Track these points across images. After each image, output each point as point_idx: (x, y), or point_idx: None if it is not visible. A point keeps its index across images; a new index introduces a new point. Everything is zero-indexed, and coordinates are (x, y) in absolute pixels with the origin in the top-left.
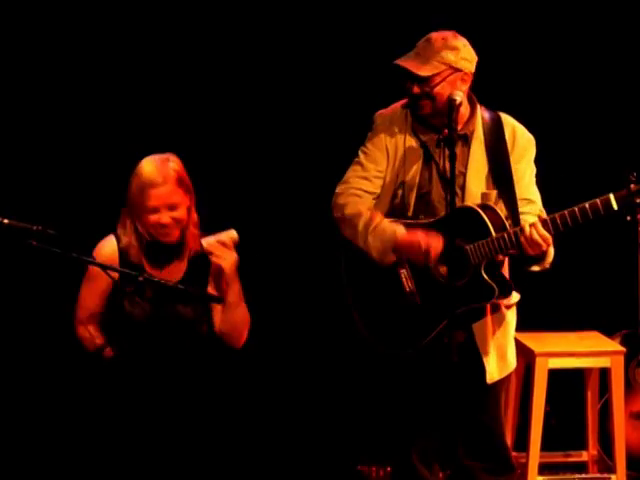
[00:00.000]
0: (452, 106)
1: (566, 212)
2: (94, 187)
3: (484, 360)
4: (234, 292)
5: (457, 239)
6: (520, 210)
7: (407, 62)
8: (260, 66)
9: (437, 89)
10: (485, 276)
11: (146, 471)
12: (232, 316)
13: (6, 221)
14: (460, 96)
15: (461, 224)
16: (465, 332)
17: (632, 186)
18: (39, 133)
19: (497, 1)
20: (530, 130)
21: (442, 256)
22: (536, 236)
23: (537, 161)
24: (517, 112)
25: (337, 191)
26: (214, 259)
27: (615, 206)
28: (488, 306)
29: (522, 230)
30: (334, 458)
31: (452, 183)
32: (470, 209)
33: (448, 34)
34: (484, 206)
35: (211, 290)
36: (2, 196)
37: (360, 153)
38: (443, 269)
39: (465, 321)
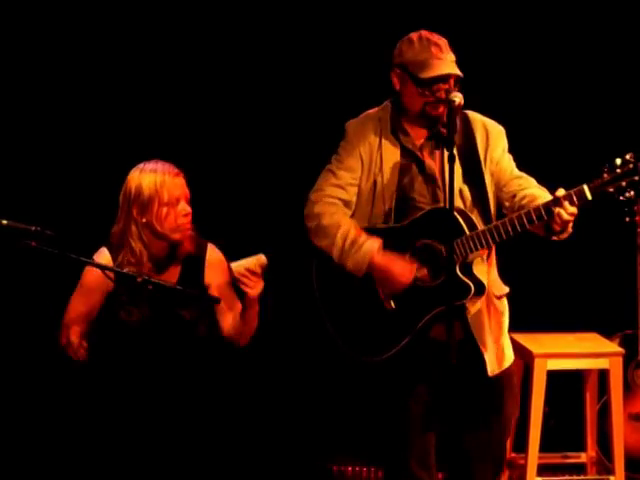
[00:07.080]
0: (452, 108)
1: (539, 206)
2: (91, 188)
3: (484, 353)
4: (253, 312)
5: (429, 239)
6: (518, 187)
7: (447, 68)
8: (246, 75)
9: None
10: (460, 275)
11: (146, 473)
12: (245, 329)
13: (4, 222)
14: (459, 97)
15: (434, 225)
16: (462, 329)
17: (605, 175)
18: (37, 135)
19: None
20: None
21: (418, 258)
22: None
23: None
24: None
25: (312, 199)
26: (242, 287)
27: (589, 196)
28: (484, 299)
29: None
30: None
31: (451, 184)
32: (443, 210)
33: (438, 35)
34: (458, 210)
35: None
36: (0, 197)
37: (333, 161)
38: (420, 272)
39: (446, 319)
